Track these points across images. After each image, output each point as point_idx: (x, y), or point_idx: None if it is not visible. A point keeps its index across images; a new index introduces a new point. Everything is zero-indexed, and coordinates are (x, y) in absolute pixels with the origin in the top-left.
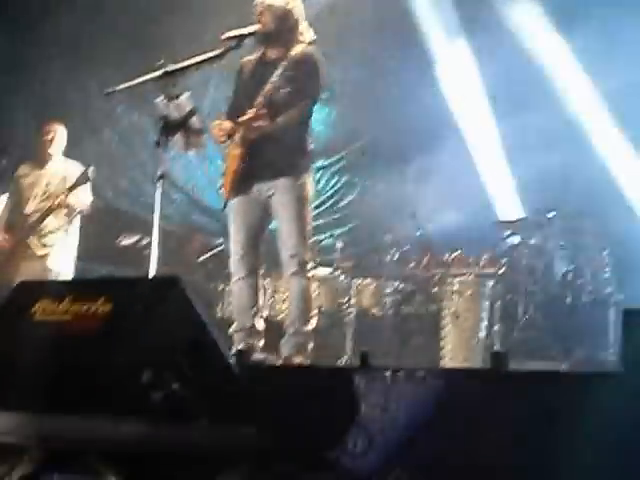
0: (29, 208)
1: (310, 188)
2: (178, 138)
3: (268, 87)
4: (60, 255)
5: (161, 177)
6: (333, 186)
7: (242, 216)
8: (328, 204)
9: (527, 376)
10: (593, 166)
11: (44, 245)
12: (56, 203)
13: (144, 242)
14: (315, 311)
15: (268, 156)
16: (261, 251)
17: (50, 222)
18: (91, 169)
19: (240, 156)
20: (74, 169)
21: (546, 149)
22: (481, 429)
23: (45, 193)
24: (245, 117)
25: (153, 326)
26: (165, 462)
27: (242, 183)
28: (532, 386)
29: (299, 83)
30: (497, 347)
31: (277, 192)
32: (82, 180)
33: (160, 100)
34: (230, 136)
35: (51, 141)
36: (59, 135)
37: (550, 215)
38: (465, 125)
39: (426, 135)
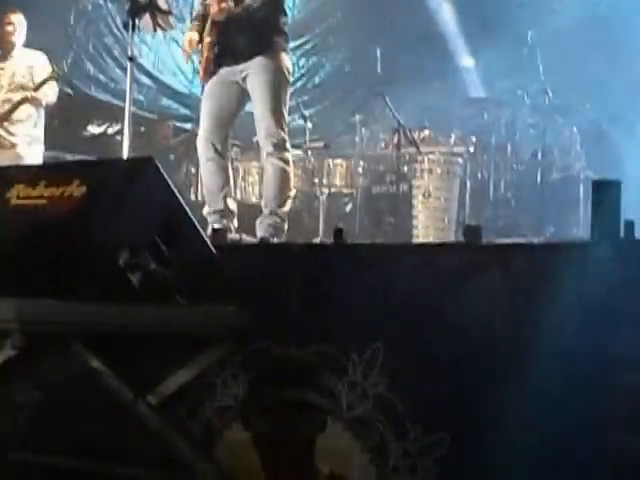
0: None
1: (286, 68)
2: (146, 19)
3: None
4: (29, 145)
5: (131, 59)
6: (301, 68)
7: (214, 98)
8: (297, 86)
9: (500, 248)
10: (561, 42)
11: (12, 134)
12: (24, 98)
13: (113, 130)
14: (292, 192)
15: (239, 39)
16: (230, 134)
17: (17, 112)
18: (61, 67)
19: (210, 44)
20: (39, 59)
21: (512, 27)
22: (456, 301)
23: (11, 84)
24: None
25: (128, 207)
26: (145, 343)
27: (215, 69)
28: (506, 258)
29: None
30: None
31: (252, 72)
32: (51, 77)
33: None
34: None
35: (12, 32)
36: (19, 25)
37: (519, 93)
38: (432, 6)
39: (395, 15)
